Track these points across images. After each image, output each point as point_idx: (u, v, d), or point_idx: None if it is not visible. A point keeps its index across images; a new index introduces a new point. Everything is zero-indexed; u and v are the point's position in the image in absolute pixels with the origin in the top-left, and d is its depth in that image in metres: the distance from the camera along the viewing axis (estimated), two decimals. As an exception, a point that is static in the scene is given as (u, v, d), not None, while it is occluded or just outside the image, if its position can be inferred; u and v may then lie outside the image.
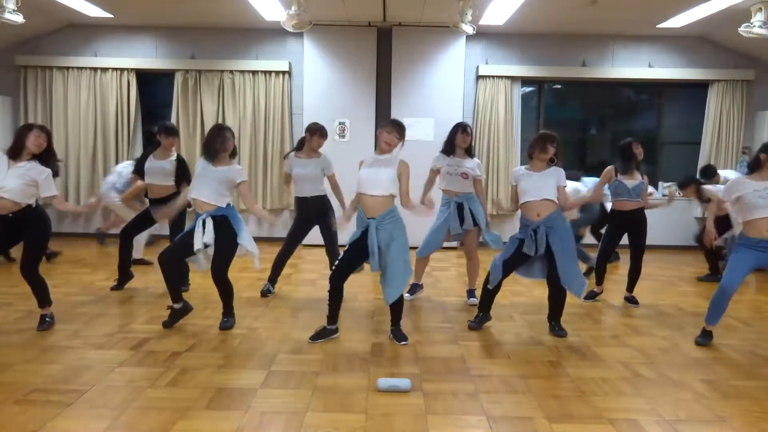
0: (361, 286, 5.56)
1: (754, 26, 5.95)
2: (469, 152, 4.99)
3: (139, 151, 8.35)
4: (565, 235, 4.08)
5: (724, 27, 7.33)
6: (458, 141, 4.91)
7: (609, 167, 5.05)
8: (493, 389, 3.21)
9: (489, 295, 4.30)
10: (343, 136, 7.94)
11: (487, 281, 4.26)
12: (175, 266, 4.19)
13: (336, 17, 7.57)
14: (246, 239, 4.12)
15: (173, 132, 5.18)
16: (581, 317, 4.72)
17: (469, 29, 6.34)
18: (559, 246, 4.03)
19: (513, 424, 2.82)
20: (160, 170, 5.10)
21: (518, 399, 3.09)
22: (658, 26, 7.65)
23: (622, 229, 5.10)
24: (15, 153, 3.93)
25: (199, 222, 4.04)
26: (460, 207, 4.88)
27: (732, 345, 4.11)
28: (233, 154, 4.22)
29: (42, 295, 4.14)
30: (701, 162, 8.41)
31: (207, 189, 4.06)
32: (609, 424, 2.81)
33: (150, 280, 5.71)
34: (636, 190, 4.97)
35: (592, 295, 5.25)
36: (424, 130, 7.75)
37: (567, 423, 2.82)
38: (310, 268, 6.59)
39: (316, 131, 5.07)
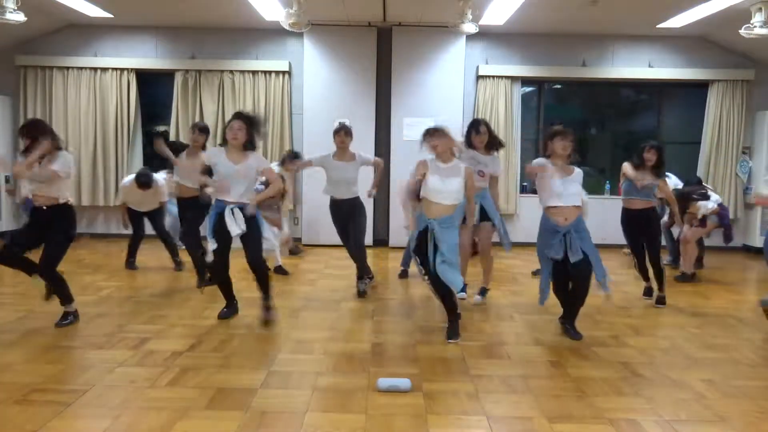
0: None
1: (755, 27, 5.95)
2: (490, 148, 4.99)
3: (139, 151, 8.39)
4: (588, 236, 4.08)
5: (724, 27, 7.33)
6: (475, 142, 4.93)
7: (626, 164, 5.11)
8: (493, 389, 3.21)
9: (562, 298, 4.28)
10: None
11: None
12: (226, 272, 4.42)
13: (336, 17, 7.57)
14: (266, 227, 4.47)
15: (204, 130, 5.43)
16: (581, 317, 4.68)
17: (471, 28, 6.33)
18: (589, 248, 4.02)
19: (513, 424, 2.82)
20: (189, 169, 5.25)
21: (518, 399, 3.09)
22: (658, 26, 7.65)
23: (633, 228, 5.10)
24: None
25: (228, 212, 4.13)
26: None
27: (732, 345, 4.11)
28: (247, 145, 4.24)
29: (63, 293, 4.20)
30: (701, 162, 8.42)
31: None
32: (609, 424, 2.81)
33: (150, 280, 5.72)
34: (645, 189, 4.99)
35: (661, 300, 5.18)
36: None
37: (567, 423, 2.82)
38: (311, 268, 6.59)
39: (339, 131, 5.15)
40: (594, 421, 2.85)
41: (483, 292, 5.15)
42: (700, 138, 8.44)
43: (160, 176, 6.24)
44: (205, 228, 4.31)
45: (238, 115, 4.23)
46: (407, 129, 7.87)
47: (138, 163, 8.39)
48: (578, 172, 4.15)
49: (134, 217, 6.30)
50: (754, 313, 5.03)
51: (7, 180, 8.19)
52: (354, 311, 4.76)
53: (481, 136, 4.91)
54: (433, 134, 3.97)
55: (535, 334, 4.24)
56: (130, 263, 6.31)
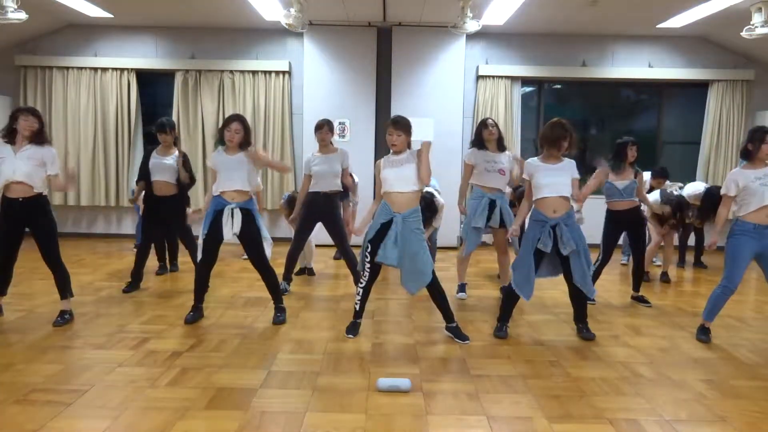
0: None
1: (756, 27, 5.95)
2: (501, 145, 5.03)
3: (139, 151, 8.35)
4: (579, 234, 4.02)
5: (724, 27, 7.33)
6: (485, 136, 4.97)
7: (602, 169, 5.03)
8: (493, 389, 3.21)
9: (514, 303, 4.22)
10: (343, 136, 7.94)
11: (511, 293, 4.15)
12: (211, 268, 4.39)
13: (336, 17, 7.57)
14: (264, 227, 4.35)
15: (161, 128, 5.29)
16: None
17: (474, 26, 6.32)
18: (576, 245, 3.96)
19: (513, 424, 2.81)
20: (161, 167, 5.24)
21: (518, 399, 3.09)
22: (658, 26, 7.65)
23: (618, 229, 5.11)
24: (10, 136, 4.08)
25: (227, 211, 4.15)
26: (492, 204, 4.93)
27: (732, 345, 4.10)
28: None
29: (65, 286, 4.27)
30: (701, 162, 8.42)
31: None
32: (609, 424, 2.81)
33: (149, 280, 5.71)
34: (627, 189, 4.98)
35: (642, 299, 5.25)
36: (424, 130, 7.75)
37: (567, 423, 2.82)
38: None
39: (320, 126, 5.18)
40: (594, 421, 2.85)
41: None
42: (700, 138, 8.44)
43: None
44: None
45: (237, 117, 4.27)
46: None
47: (138, 164, 8.36)
48: (567, 162, 4.06)
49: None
50: (754, 313, 5.04)
51: None
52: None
53: (490, 128, 4.97)
54: (397, 128, 3.90)
55: (535, 334, 4.24)
56: (170, 266, 6.22)
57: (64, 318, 4.24)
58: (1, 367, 3.38)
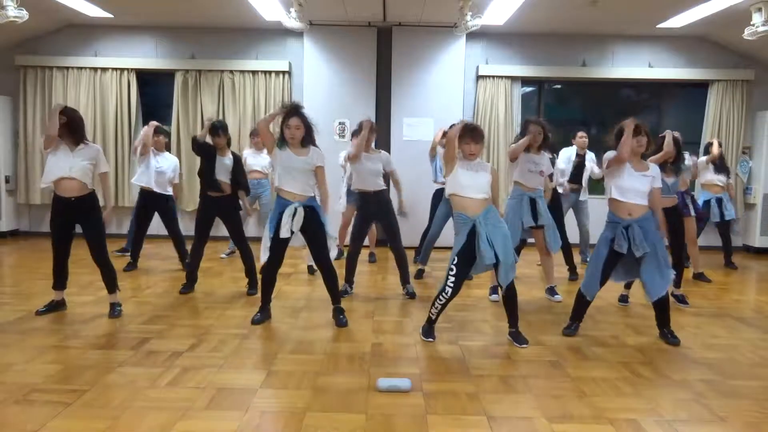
0: (359, 286, 5.56)
1: (758, 27, 5.95)
2: (542, 147, 4.99)
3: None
4: (657, 237, 3.99)
5: (724, 27, 7.33)
6: (532, 139, 4.93)
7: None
8: (493, 389, 3.21)
9: (585, 305, 4.20)
10: (343, 136, 7.94)
11: (580, 294, 4.17)
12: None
13: (336, 17, 7.57)
14: (329, 225, 4.32)
15: (215, 131, 5.24)
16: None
17: (477, 21, 6.32)
18: (652, 247, 3.93)
19: (513, 424, 2.81)
20: (223, 168, 5.23)
21: (518, 399, 3.09)
22: (658, 26, 7.65)
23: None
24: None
25: (289, 211, 4.11)
26: (533, 202, 4.93)
27: (732, 345, 4.11)
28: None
29: (113, 281, 4.47)
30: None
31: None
32: (609, 424, 2.81)
33: (150, 280, 5.71)
34: (674, 186, 4.94)
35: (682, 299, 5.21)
36: (424, 130, 7.76)
37: (567, 423, 2.82)
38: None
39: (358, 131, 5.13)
40: (594, 421, 2.85)
41: (552, 290, 5.27)
42: (700, 138, 8.44)
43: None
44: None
45: (295, 110, 4.15)
46: (407, 129, 7.87)
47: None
48: (653, 170, 4.03)
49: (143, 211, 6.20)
50: (754, 313, 5.04)
51: (7, 180, 8.17)
52: (354, 311, 4.76)
53: (535, 136, 4.93)
54: (474, 137, 3.84)
55: (535, 334, 4.24)
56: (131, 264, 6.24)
57: (116, 310, 4.43)
58: (1, 367, 3.37)
